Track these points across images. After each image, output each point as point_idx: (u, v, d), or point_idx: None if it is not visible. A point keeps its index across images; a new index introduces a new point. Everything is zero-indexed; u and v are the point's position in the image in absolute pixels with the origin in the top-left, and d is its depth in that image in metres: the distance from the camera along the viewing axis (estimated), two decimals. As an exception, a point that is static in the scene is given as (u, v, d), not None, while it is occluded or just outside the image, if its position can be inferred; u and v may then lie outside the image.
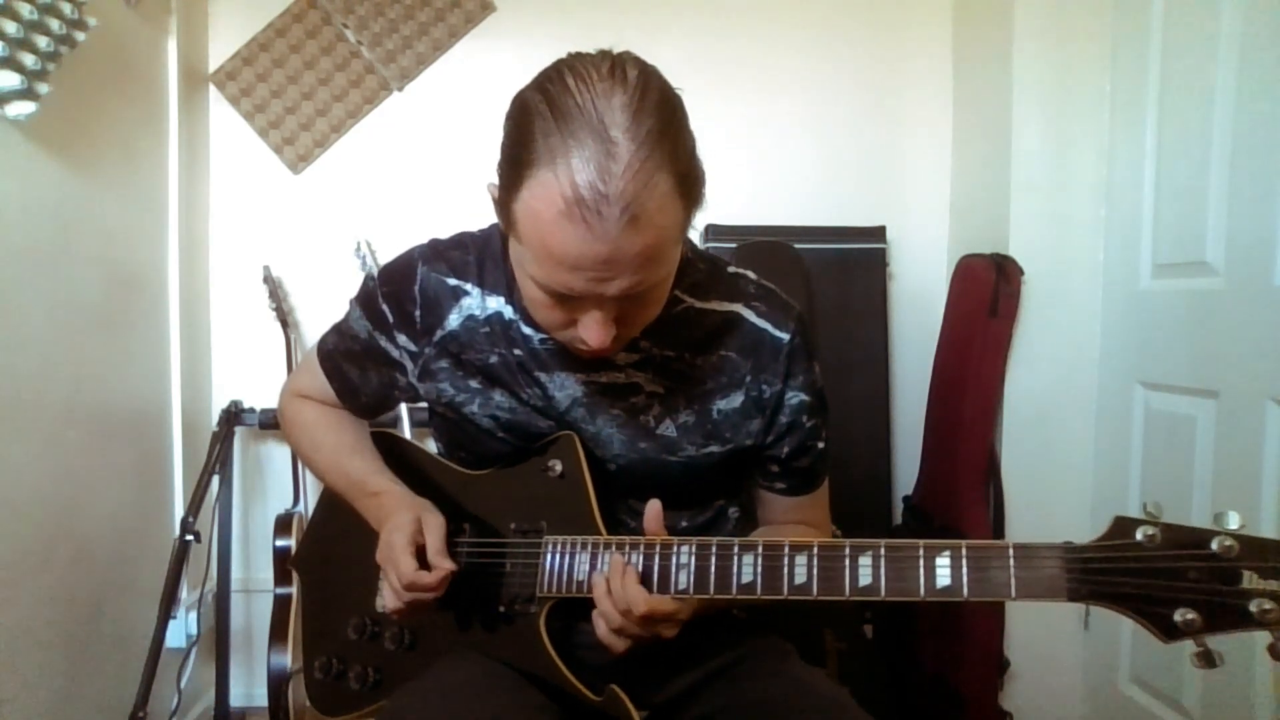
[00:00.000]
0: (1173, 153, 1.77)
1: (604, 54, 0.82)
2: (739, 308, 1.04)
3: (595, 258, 0.78)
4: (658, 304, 0.91)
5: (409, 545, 0.96)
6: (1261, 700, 1.50)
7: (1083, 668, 2.02)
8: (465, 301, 1.04)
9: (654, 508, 0.92)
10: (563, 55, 0.84)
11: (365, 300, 1.10)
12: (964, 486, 1.99)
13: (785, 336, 1.03)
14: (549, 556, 0.98)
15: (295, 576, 2.01)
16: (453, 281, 1.05)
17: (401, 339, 1.07)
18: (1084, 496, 1.98)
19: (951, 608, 1.98)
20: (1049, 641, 2.02)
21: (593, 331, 0.85)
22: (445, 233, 1.10)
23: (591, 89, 0.78)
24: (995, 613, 1.99)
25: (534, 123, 0.79)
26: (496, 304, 1.04)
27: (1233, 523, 0.72)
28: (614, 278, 0.80)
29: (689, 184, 0.82)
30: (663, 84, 0.82)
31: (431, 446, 1.20)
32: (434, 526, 0.99)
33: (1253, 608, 0.70)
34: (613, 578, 0.90)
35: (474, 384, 1.04)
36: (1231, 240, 1.60)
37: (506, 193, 0.82)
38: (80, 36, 1.61)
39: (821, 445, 1.09)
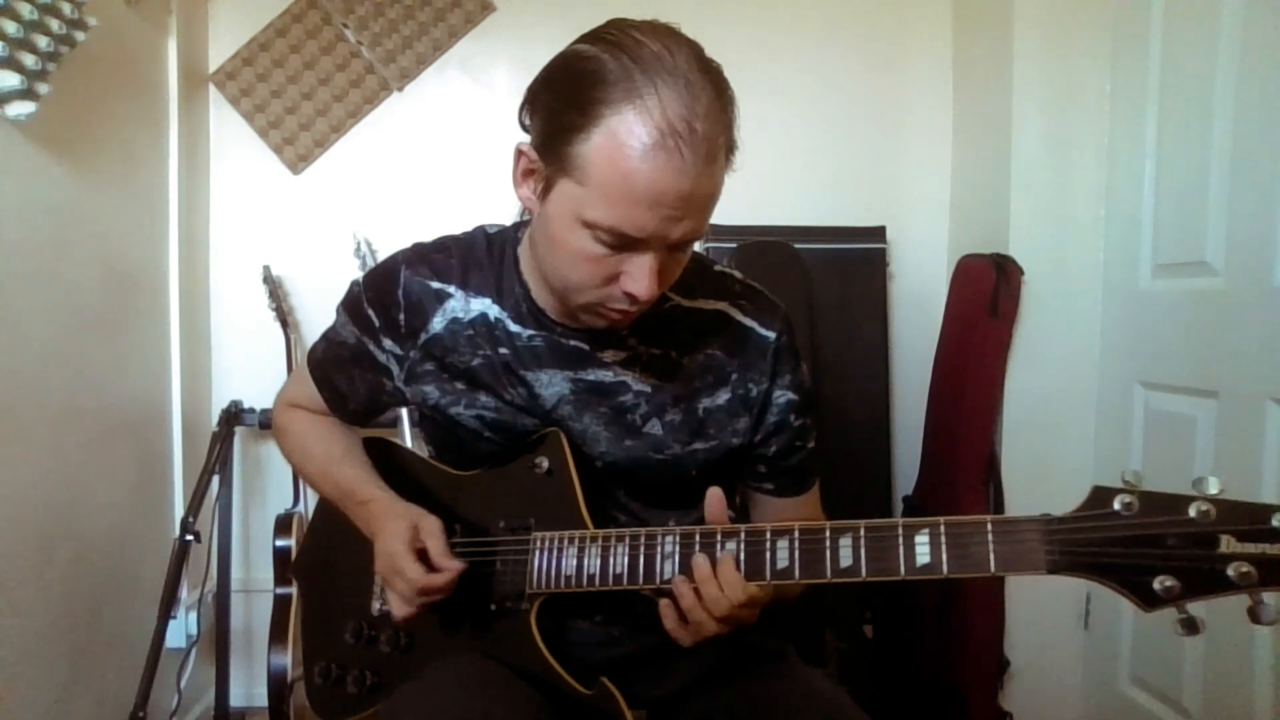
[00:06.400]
0: (1173, 153, 1.77)
1: (646, 20, 0.85)
2: (725, 306, 1.04)
3: (677, 192, 0.81)
4: (680, 265, 0.93)
5: (410, 552, 0.96)
6: (1261, 700, 1.50)
7: (1083, 668, 2.02)
8: (449, 304, 1.04)
9: (715, 495, 0.91)
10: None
11: (351, 306, 1.10)
12: (964, 486, 1.99)
13: (771, 335, 1.03)
14: (537, 553, 0.98)
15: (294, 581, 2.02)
16: (436, 285, 1.05)
17: (387, 343, 1.07)
18: (1084, 496, 1.97)
19: (951, 607, 1.98)
20: (1049, 641, 2.02)
21: (643, 280, 0.86)
22: (446, 232, 1.10)
23: (660, 41, 0.82)
24: (995, 613, 1.99)
25: (604, 67, 0.81)
26: (481, 305, 1.04)
27: (1212, 488, 0.72)
28: (683, 217, 0.83)
29: (732, 145, 0.87)
30: (713, 58, 0.87)
31: (425, 449, 1.20)
32: (433, 530, 0.99)
33: (1231, 571, 0.70)
34: (705, 583, 0.87)
35: (459, 386, 1.05)
36: (1231, 240, 1.60)
37: (569, 135, 0.82)
38: (80, 36, 1.61)
39: (811, 445, 1.09)
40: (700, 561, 0.87)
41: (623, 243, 0.84)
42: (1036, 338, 1.99)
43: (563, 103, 0.84)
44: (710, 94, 0.81)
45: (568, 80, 0.84)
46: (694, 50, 0.83)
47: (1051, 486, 1.99)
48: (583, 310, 0.94)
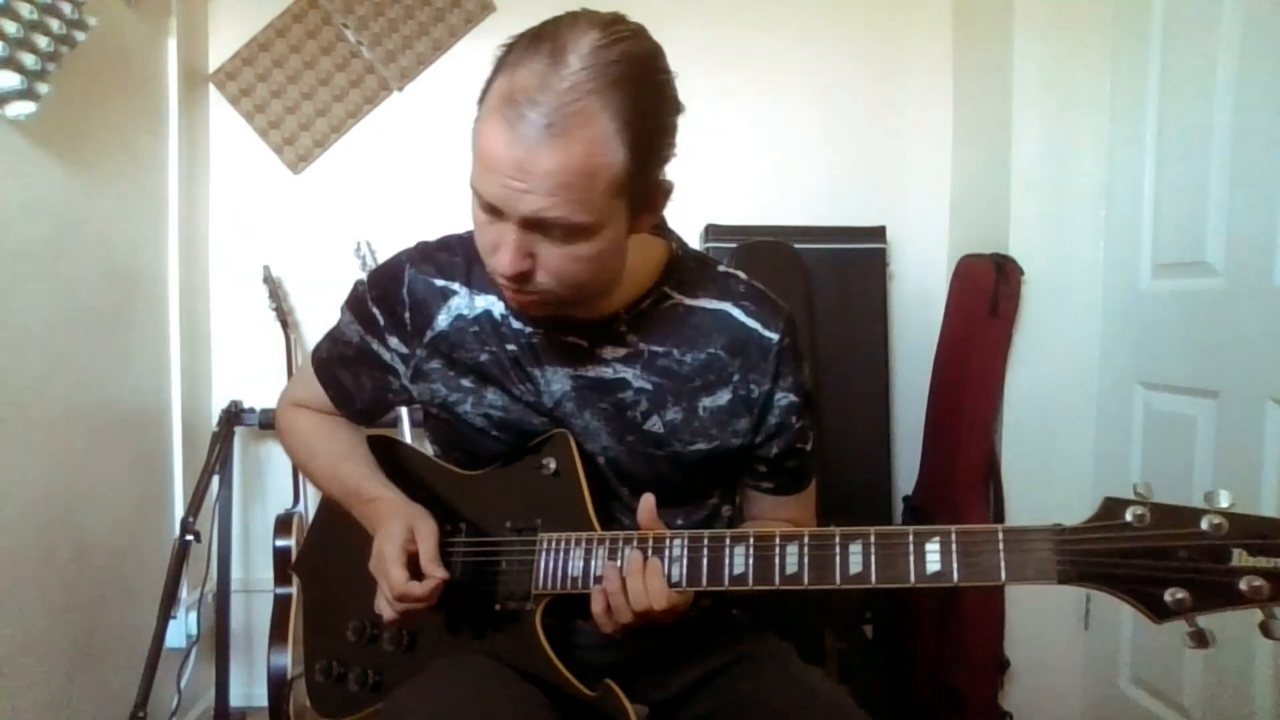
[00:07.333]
0: (1173, 153, 1.77)
1: (615, 13, 0.85)
2: (728, 306, 1.04)
3: (509, 160, 0.80)
4: (582, 262, 0.88)
5: (400, 555, 0.96)
6: (1261, 700, 1.50)
7: (1083, 668, 2.02)
8: (453, 301, 1.05)
9: (647, 501, 0.92)
10: None
11: (355, 304, 1.10)
12: (964, 486, 1.99)
13: (774, 337, 1.03)
14: (543, 554, 0.98)
15: (295, 579, 2.02)
16: (440, 282, 1.05)
17: (393, 342, 1.07)
18: (1084, 497, 1.98)
19: (951, 607, 1.98)
20: (1049, 641, 2.02)
21: (502, 253, 0.86)
22: (447, 232, 1.10)
23: (576, 23, 0.82)
24: (995, 613, 1.99)
25: (516, 41, 0.84)
26: (485, 302, 1.04)
27: (1223, 501, 0.72)
28: (526, 191, 0.81)
29: (638, 138, 0.82)
30: (650, 51, 0.85)
31: (429, 448, 1.20)
32: (426, 534, 0.99)
33: (1242, 585, 0.69)
34: (633, 576, 0.89)
35: (467, 383, 1.05)
36: (1231, 240, 1.60)
37: (478, 106, 0.86)
38: (80, 36, 1.61)
39: (809, 447, 1.09)
40: (634, 557, 0.90)
41: (488, 209, 0.86)
42: (1036, 338, 1.99)
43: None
44: (584, 72, 0.78)
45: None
46: (610, 35, 0.80)
47: (1052, 487, 1.99)
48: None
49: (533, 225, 0.84)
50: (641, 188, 0.86)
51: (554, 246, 0.86)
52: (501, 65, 0.83)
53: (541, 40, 0.81)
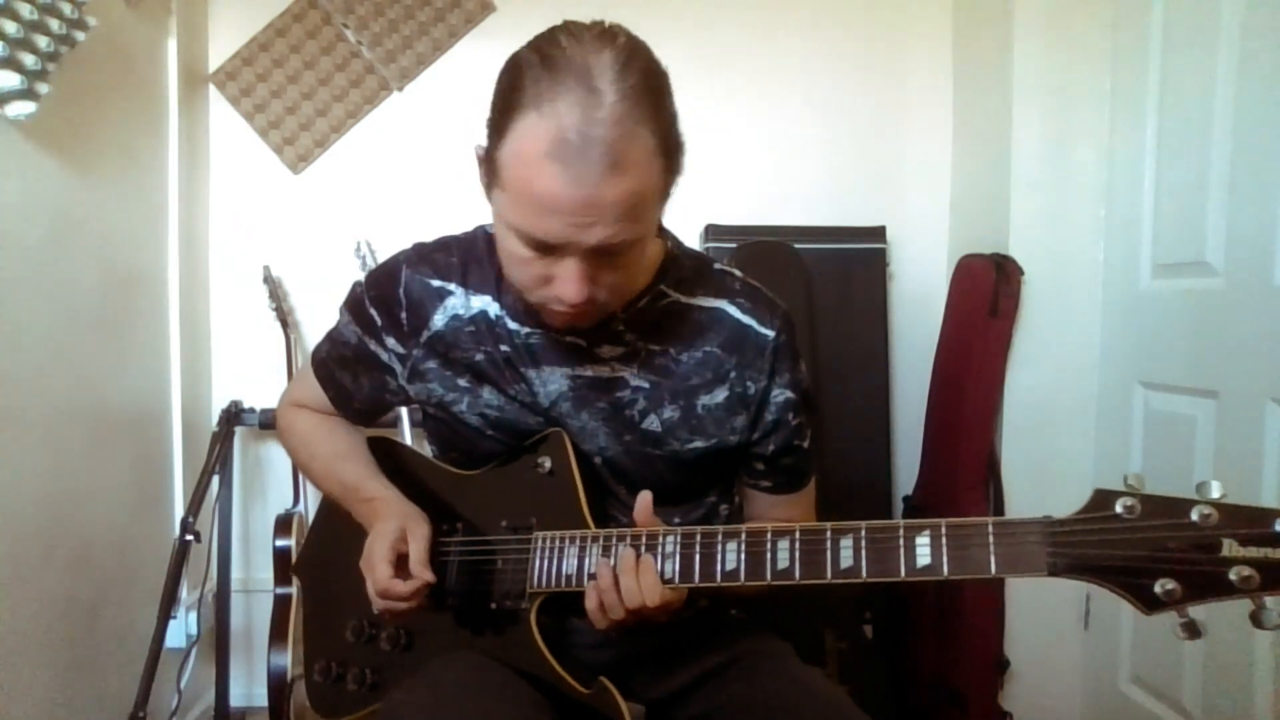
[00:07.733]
0: (1173, 152, 1.77)
1: (596, 21, 0.85)
2: (724, 304, 1.04)
3: (575, 201, 0.80)
4: (632, 272, 0.92)
5: (388, 553, 0.97)
6: (1261, 700, 1.50)
7: (1083, 668, 2.02)
8: (449, 302, 1.05)
9: (644, 499, 0.93)
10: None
11: (353, 305, 1.11)
12: (964, 487, 1.99)
13: (770, 334, 1.03)
14: (538, 552, 0.98)
15: (295, 580, 2.02)
16: (436, 283, 1.06)
17: (390, 342, 1.08)
18: (1084, 497, 1.97)
19: (951, 607, 1.98)
20: (1049, 641, 2.02)
21: (569, 285, 0.86)
22: (446, 232, 1.11)
23: (582, 45, 0.81)
24: (995, 612, 1.99)
25: (525, 73, 0.82)
26: (481, 303, 1.04)
27: (1214, 492, 0.72)
28: (593, 224, 0.82)
29: (670, 147, 0.85)
30: (650, 54, 0.85)
31: (428, 448, 1.20)
32: (419, 537, 0.99)
33: (1233, 575, 0.69)
34: (625, 573, 0.90)
35: (463, 383, 1.05)
36: (1231, 240, 1.60)
37: (494, 142, 0.85)
38: (80, 36, 1.61)
39: (807, 444, 1.09)
40: (627, 554, 0.91)
41: (541, 247, 0.85)
42: (1036, 338, 1.99)
43: (493, 109, 0.86)
44: (619, 98, 0.78)
45: (498, 86, 0.86)
46: (621, 53, 0.80)
47: (1051, 486, 1.99)
48: (538, 309, 0.95)
49: (595, 251, 0.84)
50: (672, 187, 0.89)
51: (611, 265, 0.87)
52: (521, 102, 0.80)
53: (561, 72, 0.79)
